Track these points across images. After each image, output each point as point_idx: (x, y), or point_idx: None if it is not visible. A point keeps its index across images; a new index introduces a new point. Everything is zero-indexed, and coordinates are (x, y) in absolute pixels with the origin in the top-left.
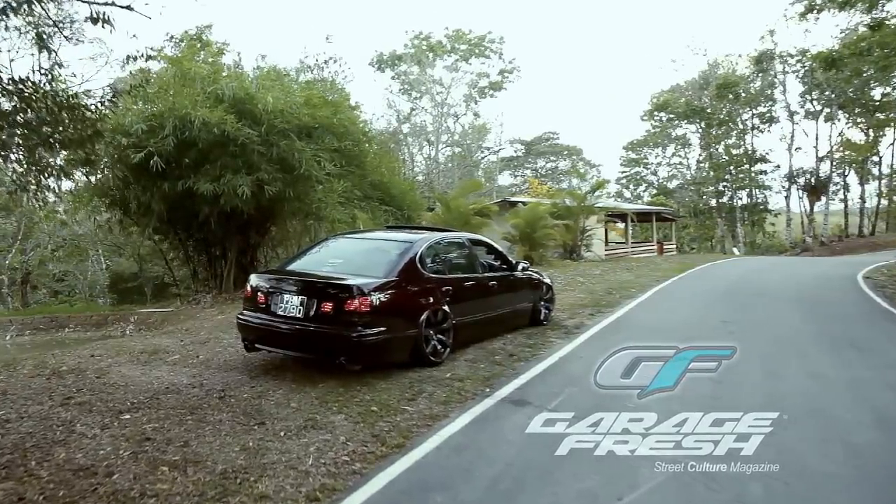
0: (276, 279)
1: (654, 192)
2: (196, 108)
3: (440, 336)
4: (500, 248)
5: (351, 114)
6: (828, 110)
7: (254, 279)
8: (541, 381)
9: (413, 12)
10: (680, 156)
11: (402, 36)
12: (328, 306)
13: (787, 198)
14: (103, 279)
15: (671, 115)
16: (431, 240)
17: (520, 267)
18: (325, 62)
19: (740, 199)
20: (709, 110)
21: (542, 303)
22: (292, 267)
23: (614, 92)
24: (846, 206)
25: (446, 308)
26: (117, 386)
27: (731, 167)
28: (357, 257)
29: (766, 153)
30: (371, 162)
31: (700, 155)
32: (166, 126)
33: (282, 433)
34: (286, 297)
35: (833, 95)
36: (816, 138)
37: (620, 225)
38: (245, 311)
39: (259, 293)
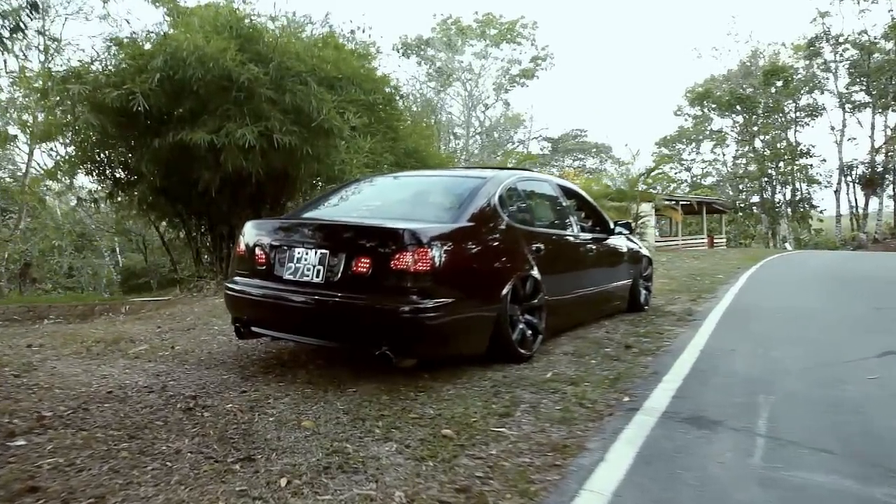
0: (283, 228)
1: (687, 189)
2: (190, 37)
3: (529, 317)
4: (594, 204)
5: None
6: (882, 100)
7: (250, 230)
8: (700, 384)
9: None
10: (715, 153)
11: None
12: (364, 264)
13: (836, 192)
14: (114, 274)
15: (713, 106)
16: (513, 177)
17: (617, 231)
18: (352, 32)
19: (784, 194)
20: (760, 99)
21: (642, 281)
22: (308, 215)
23: (644, 87)
24: None
25: (537, 276)
26: (38, 389)
27: (775, 161)
28: (406, 199)
29: (810, 147)
30: (406, 128)
31: (737, 150)
32: (155, 60)
33: (283, 481)
34: (298, 253)
35: (884, 85)
36: (872, 127)
37: (677, 212)
38: (237, 279)
39: (257, 250)
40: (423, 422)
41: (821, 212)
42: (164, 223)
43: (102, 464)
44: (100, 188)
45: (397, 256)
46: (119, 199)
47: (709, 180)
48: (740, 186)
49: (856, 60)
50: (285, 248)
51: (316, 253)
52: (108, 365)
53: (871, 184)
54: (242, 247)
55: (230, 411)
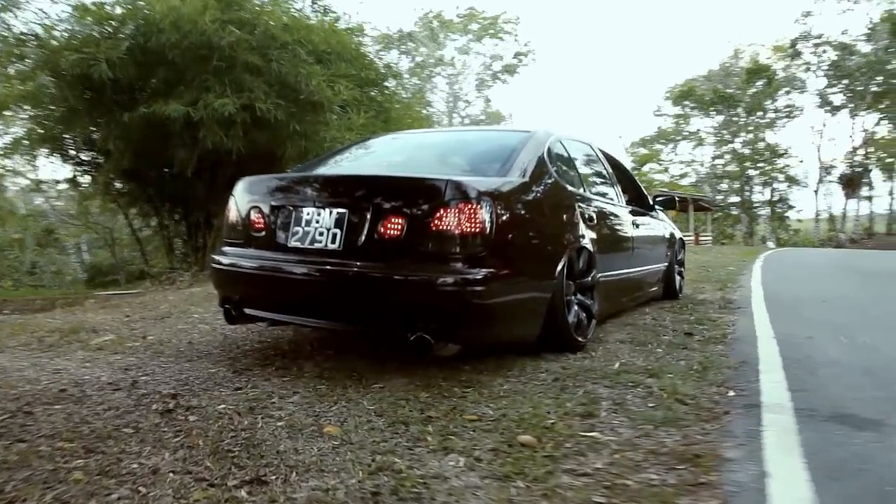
0: (287, 185)
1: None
2: None
3: (581, 297)
4: (633, 176)
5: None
6: (860, 101)
7: (244, 189)
8: (808, 373)
9: None
10: (693, 154)
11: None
12: (395, 225)
13: (816, 192)
14: (79, 272)
15: (693, 105)
16: (557, 133)
17: (656, 208)
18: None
19: (763, 194)
20: (742, 98)
21: (677, 266)
22: (317, 172)
23: (625, 86)
24: (871, 205)
25: (591, 249)
26: None
27: (755, 161)
28: (438, 154)
29: (787, 149)
30: (398, 110)
31: (715, 150)
32: (126, 26)
33: None
34: (308, 214)
35: (863, 87)
36: (852, 128)
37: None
38: (226, 249)
39: (253, 214)
40: (486, 425)
41: (798, 212)
42: (133, 210)
43: (45, 491)
44: (64, 171)
45: (439, 215)
46: (85, 183)
47: (686, 181)
48: (719, 187)
49: (835, 61)
50: (290, 208)
51: (331, 213)
52: (64, 358)
53: (851, 184)
54: (234, 211)
55: (224, 414)
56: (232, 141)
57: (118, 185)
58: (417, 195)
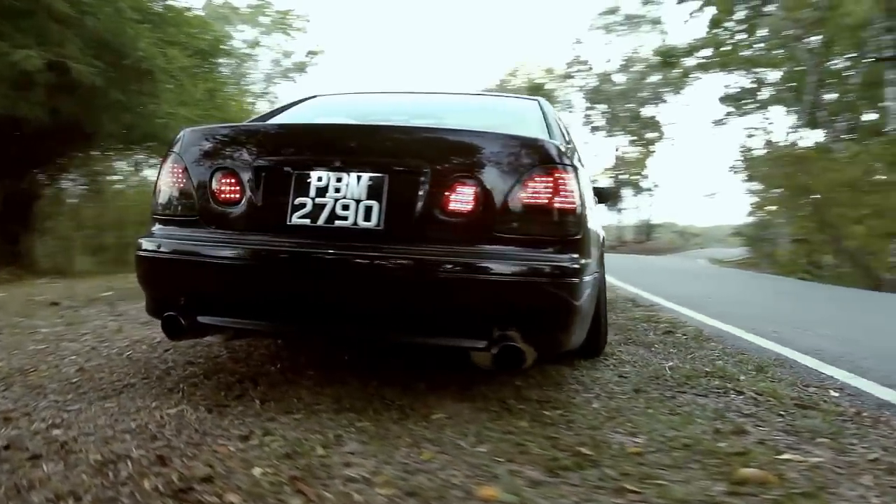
0: (282, 136)
1: None
2: None
3: None
4: None
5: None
6: (612, 125)
7: (196, 142)
8: (870, 365)
9: None
10: None
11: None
12: (465, 196)
13: None
14: None
15: None
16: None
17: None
18: None
19: None
20: None
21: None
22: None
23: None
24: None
25: (603, 235)
26: None
27: None
28: (457, 112)
29: None
30: (225, 94)
31: None
32: None
33: None
34: (321, 179)
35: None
36: (615, 149)
37: None
38: (163, 230)
39: (221, 177)
40: (660, 459)
41: None
42: None
43: None
44: None
45: (531, 184)
46: None
47: None
48: None
49: (596, 86)
50: (287, 171)
51: (361, 178)
52: None
53: (609, 198)
54: (178, 175)
55: (278, 485)
56: (30, 108)
57: None
58: (498, 157)
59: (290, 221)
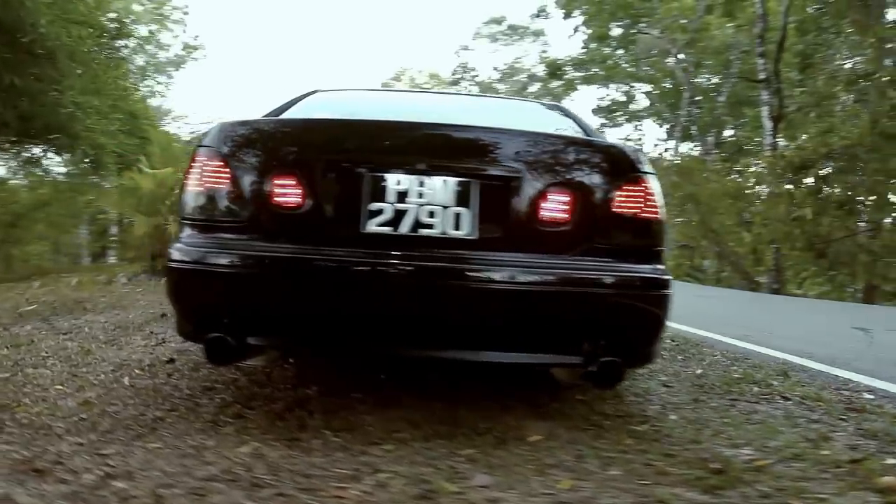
0: (351, 132)
1: None
2: None
3: None
4: None
5: None
6: None
7: (240, 137)
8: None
9: None
10: None
11: None
12: (560, 205)
13: None
14: None
15: None
16: None
17: None
18: None
19: None
20: None
21: None
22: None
23: (290, 93)
24: None
25: None
26: None
27: None
28: (505, 116)
29: None
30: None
31: None
32: None
33: None
34: (400, 182)
35: None
36: None
37: None
38: (202, 238)
39: (277, 177)
40: (786, 472)
41: None
42: None
43: None
44: None
45: (622, 192)
46: None
47: None
48: None
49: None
50: (360, 172)
51: (446, 182)
52: None
53: None
54: (218, 174)
55: None
56: None
57: None
58: (588, 164)
59: (365, 229)
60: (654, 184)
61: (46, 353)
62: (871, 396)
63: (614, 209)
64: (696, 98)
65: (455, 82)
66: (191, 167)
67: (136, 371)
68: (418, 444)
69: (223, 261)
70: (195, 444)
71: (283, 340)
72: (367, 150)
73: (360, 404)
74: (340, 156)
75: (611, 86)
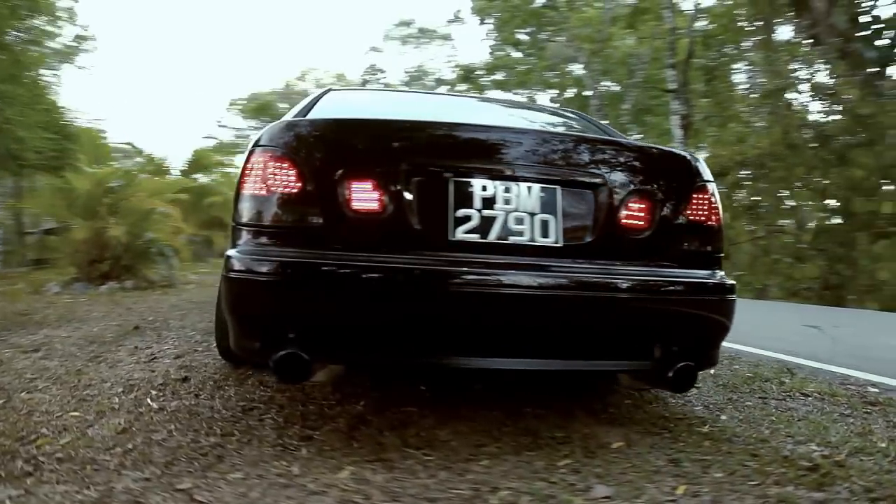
0: (436, 135)
1: None
2: None
3: None
4: None
5: None
6: None
7: (313, 135)
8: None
9: None
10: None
11: None
12: (638, 212)
13: None
14: None
15: (270, 119)
16: None
17: None
18: None
19: None
20: None
21: None
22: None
23: (189, 93)
24: None
25: None
26: None
27: None
28: (545, 124)
29: None
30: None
31: None
32: None
33: None
34: (486, 188)
35: None
36: None
37: None
38: (270, 247)
39: (359, 181)
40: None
41: None
42: None
43: None
44: None
45: (694, 200)
46: None
47: None
48: None
49: None
50: (445, 177)
51: (531, 189)
52: None
53: None
54: (289, 175)
55: None
56: None
57: None
58: (662, 172)
59: (453, 237)
60: (716, 191)
61: (31, 375)
62: (877, 390)
63: (686, 217)
64: (603, 104)
65: (364, 83)
66: (248, 169)
67: (154, 392)
68: (511, 457)
69: (300, 270)
70: (281, 472)
71: (362, 356)
72: (450, 154)
73: (422, 419)
74: (423, 160)
75: (520, 91)
